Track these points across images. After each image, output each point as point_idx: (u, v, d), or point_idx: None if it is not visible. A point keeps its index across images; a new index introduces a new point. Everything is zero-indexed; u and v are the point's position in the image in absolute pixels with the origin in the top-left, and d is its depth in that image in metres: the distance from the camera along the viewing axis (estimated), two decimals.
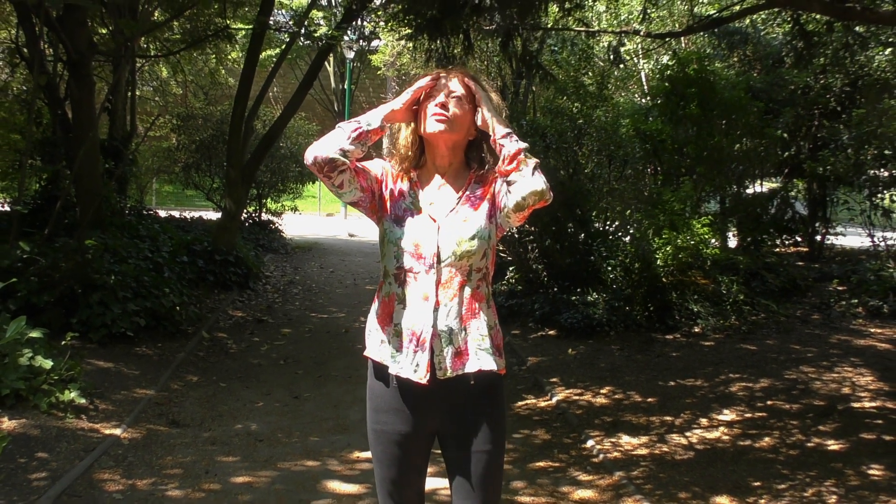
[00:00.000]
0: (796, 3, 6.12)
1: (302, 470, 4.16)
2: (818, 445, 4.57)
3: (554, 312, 7.14)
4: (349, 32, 14.92)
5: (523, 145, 1.95)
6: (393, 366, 2.04)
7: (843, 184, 9.11)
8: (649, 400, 5.41)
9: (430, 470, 2.21)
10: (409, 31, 6.80)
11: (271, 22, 10.78)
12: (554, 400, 5.50)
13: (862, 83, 9.10)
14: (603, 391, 5.65)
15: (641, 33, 8.19)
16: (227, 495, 3.78)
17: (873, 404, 5.24)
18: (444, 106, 2.03)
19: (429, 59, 6.79)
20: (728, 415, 5.09)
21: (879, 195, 8.73)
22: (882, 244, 8.57)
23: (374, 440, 2.11)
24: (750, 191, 9.74)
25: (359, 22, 12.95)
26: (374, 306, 2.12)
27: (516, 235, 7.80)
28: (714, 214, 8.52)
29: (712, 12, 10.54)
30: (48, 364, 4.59)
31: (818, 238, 9.73)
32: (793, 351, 6.40)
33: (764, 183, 10.71)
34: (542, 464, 4.37)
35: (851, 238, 9.80)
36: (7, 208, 9.07)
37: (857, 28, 7.77)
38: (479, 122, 2.06)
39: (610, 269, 7.27)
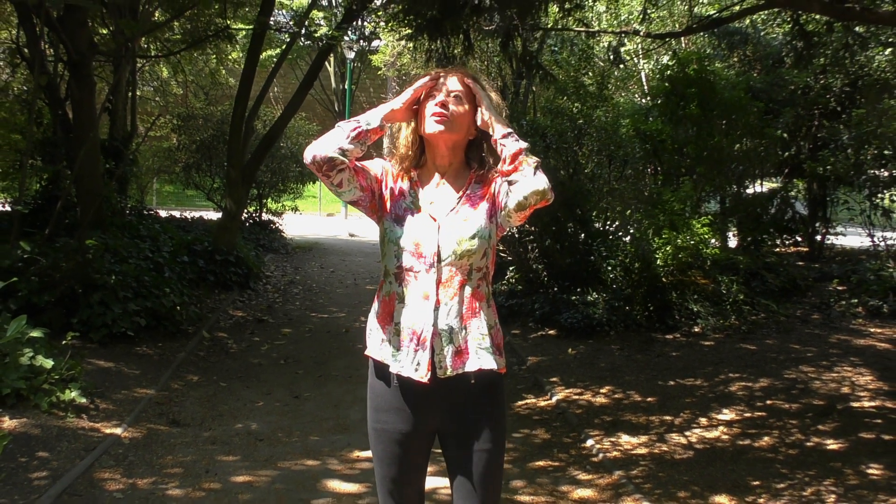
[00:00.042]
0: (796, 4, 6.13)
1: (302, 469, 4.17)
2: (817, 445, 4.58)
3: (554, 312, 7.15)
4: (349, 33, 14.91)
5: (524, 145, 1.95)
6: (394, 364, 2.04)
7: (843, 184, 9.12)
8: (649, 399, 5.42)
9: (430, 469, 2.21)
10: (410, 31, 6.80)
11: (272, 22, 10.78)
12: (554, 399, 5.51)
13: (862, 83, 9.11)
14: (603, 391, 5.66)
15: (641, 33, 8.20)
16: (228, 494, 3.78)
17: (872, 404, 5.25)
18: (443, 105, 2.03)
19: (429, 59, 6.79)
20: (727, 414, 5.09)
21: (879, 195, 8.73)
22: (882, 244, 8.58)
23: (375, 439, 2.12)
24: (750, 191, 9.75)
25: (359, 22, 12.94)
26: (375, 306, 2.13)
27: (516, 235, 7.81)
28: (714, 214, 8.53)
29: (712, 12, 10.55)
30: (49, 363, 4.59)
31: (818, 238, 9.73)
32: (792, 351, 6.40)
33: (764, 183, 10.71)
34: (541, 463, 4.38)
35: (851, 238, 9.81)
36: (8, 208, 9.09)
37: (856, 28, 7.78)
38: (479, 122, 2.06)
39: (610, 268, 7.28)
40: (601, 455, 4.45)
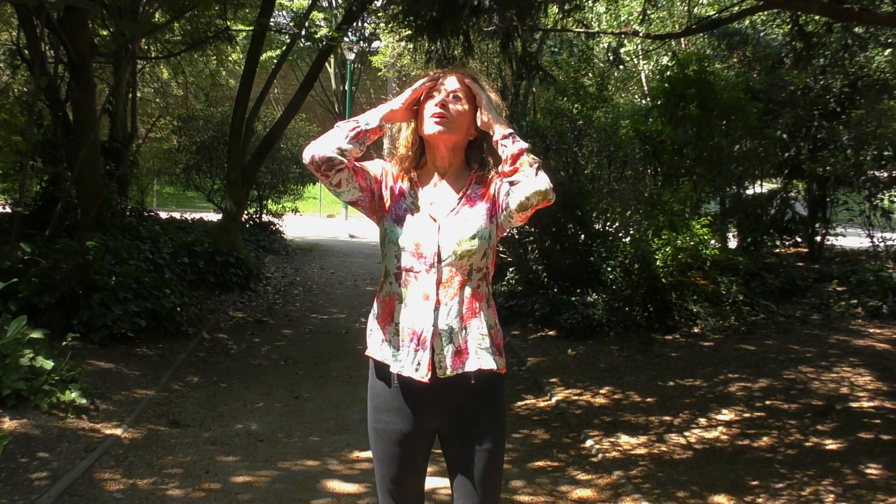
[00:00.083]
0: (795, 4, 6.14)
1: (302, 470, 4.17)
2: (816, 445, 4.59)
3: (554, 313, 7.15)
4: (349, 34, 14.92)
5: (525, 145, 1.95)
6: (394, 364, 2.05)
7: (842, 184, 9.13)
8: (648, 400, 5.43)
9: (430, 469, 2.22)
10: (409, 32, 6.81)
11: (272, 23, 10.79)
12: (553, 400, 5.52)
13: (861, 84, 9.12)
14: (602, 391, 5.66)
15: (641, 34, 8.22)
16: (228, 495, 3.79)
17: (871, 404, 5.25)
18: (443, 106, 2.04)
19: (429, 60, 6.81)
20: (727, 414, 5.10)
21: (879, 196, 8.75)
22: (881, 245, 8.59)
23: (375, 439, 2.13)
24: (750, 191, 9.75)
25: (359, 23, 12.95)
26: (375, 306, 2.13)
27: (516, 236, 7.81)
28: (714, 215, 8.53)
29: (712, 13, 10.56)
30: (49, 364, 4.60)
31: (818, 238, 9.74)
32: (792, 351, 6.41)
33: (764, 184, 10.72)
34: (541, 463, 4.38)
35: (851, 239, 9.82)
36: (8, 209, 9.10)
37: (856, 29, 7.79)
38: (479, 123, 2.07)
39: (609, 269, 7.29)
40: (600, 455, 4.45)
